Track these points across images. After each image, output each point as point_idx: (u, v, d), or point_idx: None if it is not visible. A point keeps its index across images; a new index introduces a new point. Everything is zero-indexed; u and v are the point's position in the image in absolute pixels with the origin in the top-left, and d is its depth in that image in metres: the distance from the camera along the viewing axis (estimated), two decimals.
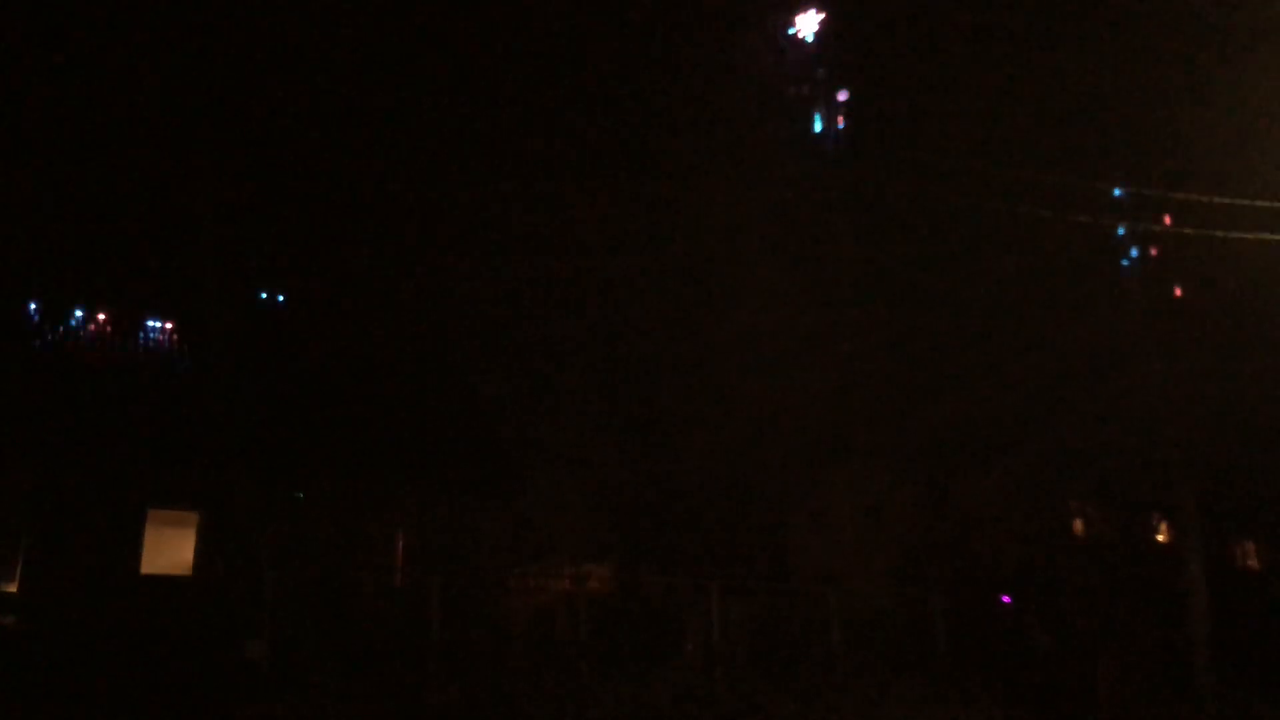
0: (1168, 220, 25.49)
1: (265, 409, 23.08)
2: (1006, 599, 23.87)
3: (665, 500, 33.50)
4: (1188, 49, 25.96)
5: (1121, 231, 25.88)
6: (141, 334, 24.20)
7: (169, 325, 24.55)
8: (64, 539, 19.60)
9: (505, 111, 64.49)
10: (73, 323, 23.05)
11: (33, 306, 22.88)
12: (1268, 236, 23.23)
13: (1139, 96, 25.96)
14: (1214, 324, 26.73)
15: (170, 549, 20.72)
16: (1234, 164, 25.15)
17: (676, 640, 19.79)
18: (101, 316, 23.53)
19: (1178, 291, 26.23)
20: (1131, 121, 26.07)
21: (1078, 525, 31.80)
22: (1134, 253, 25.74)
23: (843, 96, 37.75)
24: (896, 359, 35.28)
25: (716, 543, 29.38)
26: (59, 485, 19.79)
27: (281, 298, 26.21)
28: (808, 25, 38.31)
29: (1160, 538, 31.54)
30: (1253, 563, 33.68)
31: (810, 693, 18.79)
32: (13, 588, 19.91)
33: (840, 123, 37.51)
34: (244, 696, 14.65)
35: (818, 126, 37.65)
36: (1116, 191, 25.71)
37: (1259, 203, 22.58)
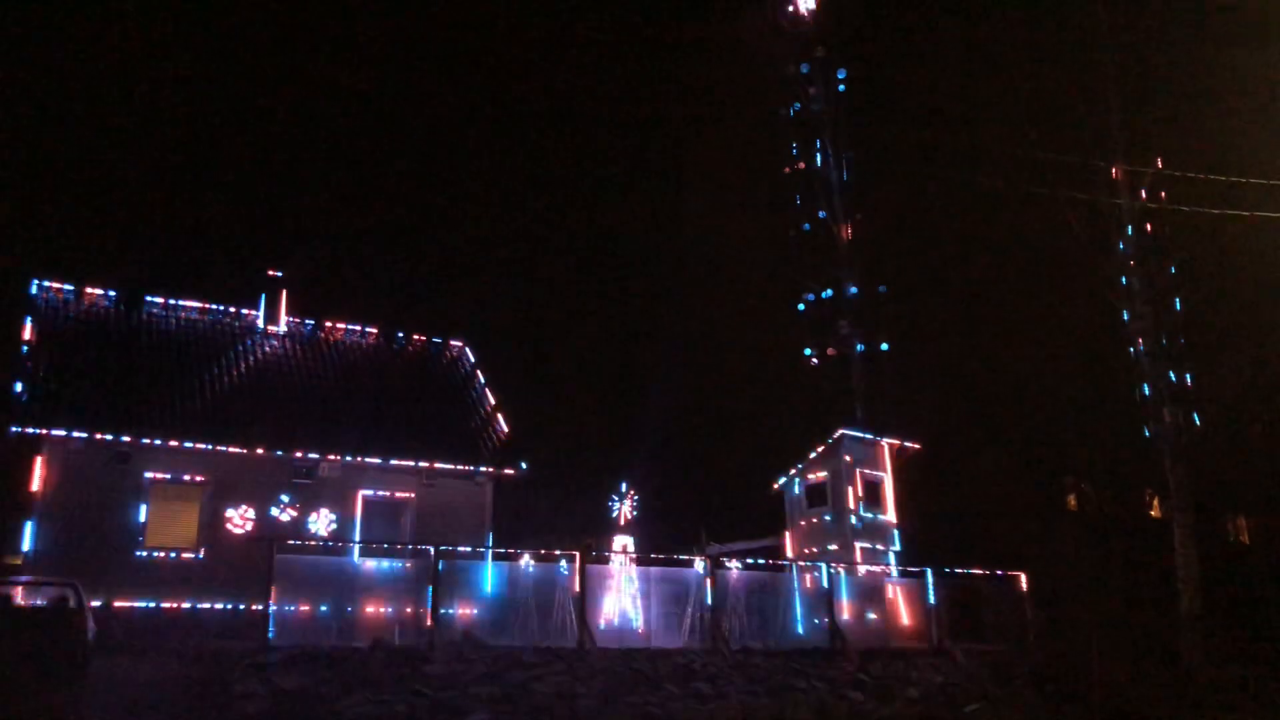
0: (1164, 197, 25.58)
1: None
2: (1001, 574, 24.08)
3: (668, 472, 33.74)
4: (1187, 29, 25.92)
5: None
6: (185, 314, 24.47)
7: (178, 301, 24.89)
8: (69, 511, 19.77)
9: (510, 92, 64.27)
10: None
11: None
12: (1264, 214, 23.31)
13: (1137, 74, 25.95)
14: (1209, 302, 26.81)
15: (175, 522, 20.89)
16: (1231, 143, 25.17)
17: (681, 610, 19.99)
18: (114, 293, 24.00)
19: (1172, 268, 26.35)
20: (1129, 99, 26.09)
21: (1072, 501, 32.03)
22: (1129, 230, 25.86)
23: (841, 74, 37.82)
24: (896, 338, 35.43)
25: (718, 516, 29.59)
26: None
27: None
28: (806, 1, 38.33)
29: (1153, 513, 31.78)
30: (1244, 537, 33.94)
31: (804, 662, 19.03)
32: (18, 560, 20.16)
33: (839, 101, 37.57)
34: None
35: (816, 103, 37.72)
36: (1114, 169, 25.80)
37: (1254, 180, 22.66)
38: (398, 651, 16.27)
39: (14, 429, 19.37)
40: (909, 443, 27.00)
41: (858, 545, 24.74)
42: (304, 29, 65.36)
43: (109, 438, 20.22)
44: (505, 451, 24.69)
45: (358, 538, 22.24)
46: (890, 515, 25.97)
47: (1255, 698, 21.23)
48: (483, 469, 23.99)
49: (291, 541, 19.35)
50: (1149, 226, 26.04)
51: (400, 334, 27.61)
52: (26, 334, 21.68)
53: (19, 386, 20.12)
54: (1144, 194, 25.61)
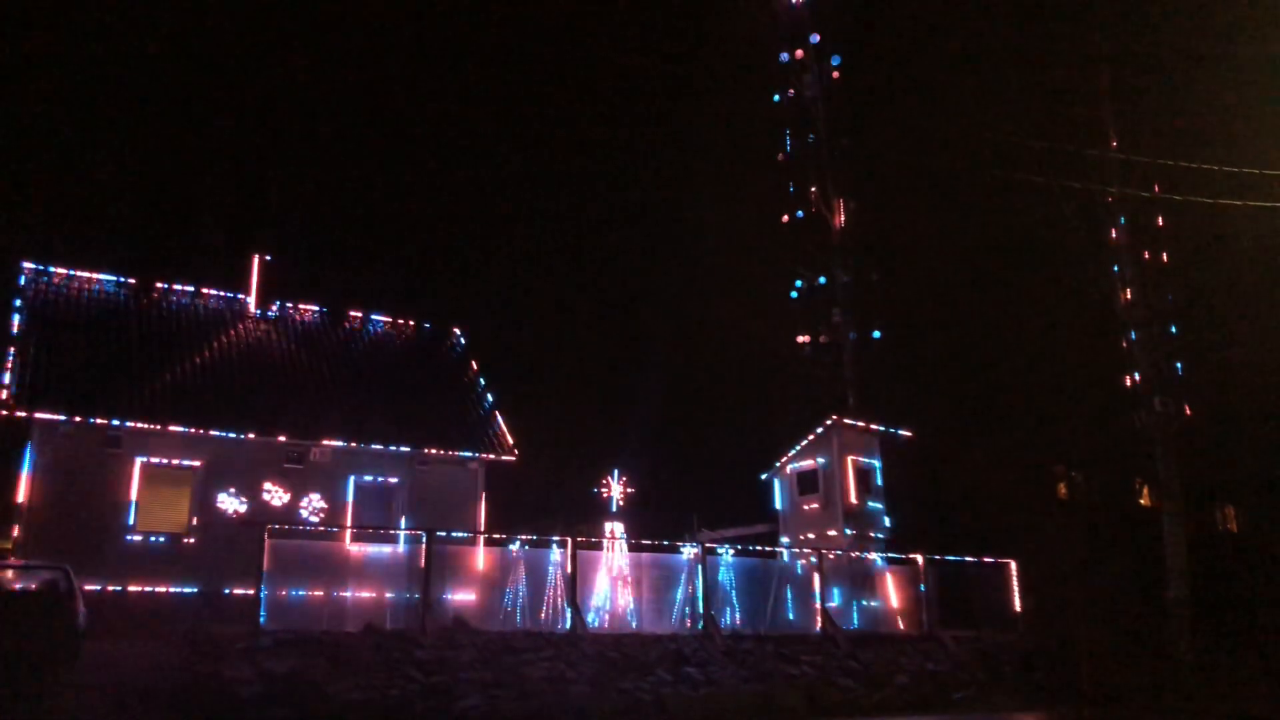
0: (1156, 188, 25.63)
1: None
2: (991, 561, 24.18)
3: (660, 458, 33.79)
4: (1181, 17, 25.91)
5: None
6: (174, 297, 24.34)
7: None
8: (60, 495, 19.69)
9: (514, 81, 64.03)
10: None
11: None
12: (1256, 204, 23.36)
13: (1131, 63, 25.95)
14: (1201, 292, 26.92)
15: (166, 506, 20.83)
16: (1225, 133, 25.20)
17: (672, 596, 20.09)
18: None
19: (1165, 257, 26.44)
20: (1123, 88, 26.09)
21: (1062, 489, 32.18)
22: (1122, 220, 25.91)
23: (835, 60, 37.75)
24: (889, 325, 35.50)
25: (710, 503, 29.67)
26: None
27: None
28: None
29: (1143, 502, 31.95)
30: (1232, 526, 34.15)
31: (795, 648, 19.11)
32: (7, 544, 20.09)
33: (833, 86, 37.50)
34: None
35: (810, 90, 37.65)
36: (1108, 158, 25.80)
37: (1248, 170, 22.68)
38: (389, 636, 16.30)
39: (3, 413, 19.26)
40: (901, 430, 27.04)
41: (849, 532, 24.82)
42: (300, 11, 64.98)
43: (99, 422, 20.14)
44: (497, 437, 24.69)
45: (349, 522, 22.24)
46: (881, 502, 26.04)
47: (1242, 685, 21.40)
48: (474, 454, 23.98)
49: (283, 526, 19.33)
50: (1142, 216, 26.10)
51: (392, 319, 27.56)
52: (15, 318, 21.55)
53: (8, 371, 20.00)
54: (1137, 183, 25.65)
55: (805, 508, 26.00)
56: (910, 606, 22.73)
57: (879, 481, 26.16)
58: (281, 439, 21.86)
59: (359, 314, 27.09)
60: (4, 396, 19.41)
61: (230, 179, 56.02)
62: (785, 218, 38.25)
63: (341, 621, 16.98)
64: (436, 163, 61.64)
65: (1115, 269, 25.88)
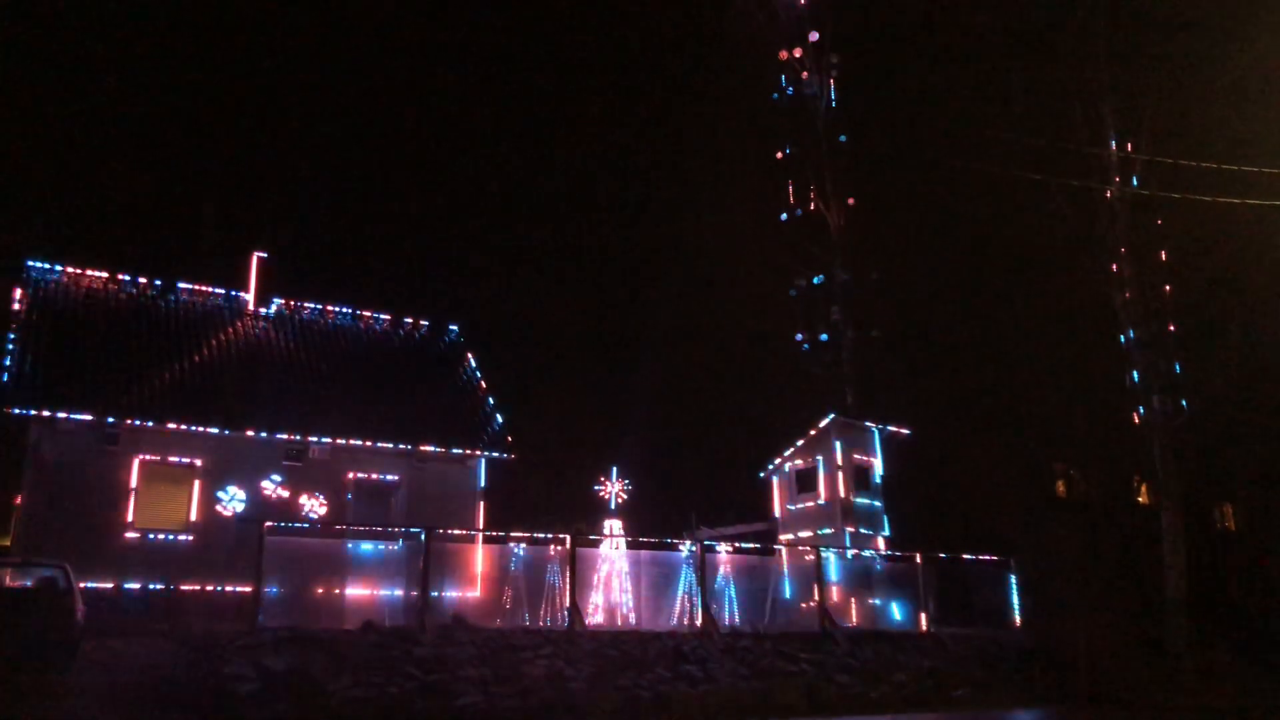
0: (1155, 185, 25.62)
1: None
2: (990, 559, 24.21)
3: (658, 456, 33.80)
4: (1181, 16, 25.90)
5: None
6: (173, 295, 24.35)
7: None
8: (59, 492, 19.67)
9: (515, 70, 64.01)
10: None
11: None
12: (1255, 202, 23.36)
13: (1130, 61, 25.94)
14: (1199, 289, 26.92)
15: (164, 504, 20.79)
16: (1223, 131, 25.20)
17: (671, 593, 20.11)
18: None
19: (1163, 256, 26.44)
20: (1122, 85, 26.08)
21: (1060, 487, 32.19)
22: (1121, 218, 25.90)
23: (834, 59, 37.72)
24: (887, 324, 35.49)
25: (708, 501, 29.68)
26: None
27: None
28: None
29: (1141, 500, 31.96)
30: (1230, 524, 34.18)
31: (793, 646, 19.12)
32: (6, 541, 20.08)
33: (832, 84, 37.50)
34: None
35: (809, 88, 37.62)
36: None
37: (1246, 168, 22.68)
38: (388, 634, 16.30)
39: (3, 410, 19.23)
40: (899, 428, 27.06)
41: (847, 530, 24.82)
42: (301, 9, 64.95)
43: (98, 419, 20.11)
44: (496, 434, 24.68)
45: (348, 520, 22.22)
46: (880, 500, 26.06)
47: (1240, 683, 21.42)
48: (473, 452, 23.97)
49: (281, 524, 19.32)
50: (1141, 215, 26.11)
51: (391, 316, 27.54)
52: (15, 315, 21.52)
53: (7, 369, 19.97)
54: (1135, 181, 25.65)
55: (804, 505, 26.01)
56: (908, 604, 22.74)
57: (877, 479, 26.17)
58: (280, 436, 21.85)
59: (358, 311, 27.06)
60: (4, 393, 19.37)
61: (230, 177, 55.96)
62: (784, 216, 38.25)
63: (340, 619, 16.99)
64: (436, 161, 61.62)
65: (1115, 268, 25.89)
